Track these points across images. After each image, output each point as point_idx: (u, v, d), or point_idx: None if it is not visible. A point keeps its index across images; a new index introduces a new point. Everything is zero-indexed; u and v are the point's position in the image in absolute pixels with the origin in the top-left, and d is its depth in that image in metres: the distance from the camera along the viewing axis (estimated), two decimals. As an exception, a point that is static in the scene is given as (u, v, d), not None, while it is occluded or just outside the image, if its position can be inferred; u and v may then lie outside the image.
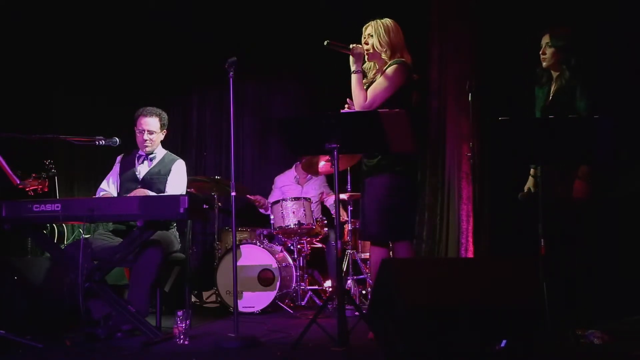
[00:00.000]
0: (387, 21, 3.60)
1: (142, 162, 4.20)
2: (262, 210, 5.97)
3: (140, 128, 4.14)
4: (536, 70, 3.76)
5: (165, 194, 4.07)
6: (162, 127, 4.20)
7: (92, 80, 6.33)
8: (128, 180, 4.14)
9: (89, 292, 3.53)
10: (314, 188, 5.88)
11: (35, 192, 4.59)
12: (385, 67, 3.55)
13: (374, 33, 3.57)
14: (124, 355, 3.17)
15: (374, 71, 3.67)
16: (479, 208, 5.17)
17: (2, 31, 5.47)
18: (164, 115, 4.22)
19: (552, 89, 3.68)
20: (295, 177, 5.95)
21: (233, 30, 6.36)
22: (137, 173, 4.16)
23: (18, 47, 5.66)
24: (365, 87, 3.60)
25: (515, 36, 4.80)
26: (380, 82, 3.52)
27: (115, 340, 3.52)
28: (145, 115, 4.15)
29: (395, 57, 3.54)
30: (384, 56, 3.57)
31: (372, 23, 3.61)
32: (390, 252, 3.72)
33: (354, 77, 3.55)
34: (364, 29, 3.64)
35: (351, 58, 3.55)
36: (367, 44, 3.59)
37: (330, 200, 5.80)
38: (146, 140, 4.14)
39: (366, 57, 3.61)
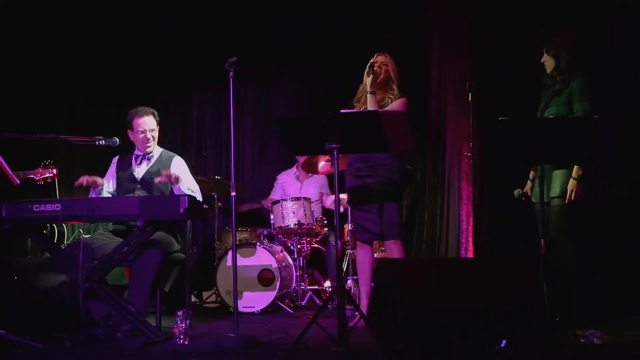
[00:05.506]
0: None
1: (140, 162, 4.17)
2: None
3: (140, 129, 4.08)
4: (543, 78, 3.79)
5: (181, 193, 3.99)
6: (157, 124, 4.17)
7: (92, 81, 6.32)
8: (126, 181, 4.12)
9: (89, 292, 3.52)
10: (313, 186, 5.86)
11: (46, 182, 4.59)
12: (397, 95, 4.03)
13: (389, 64, 4.09)
14: (124, 355, 3.17)
15: (380, 94, 4.05)
16: (479, 208, 5.17)
17: (3, 31, 5.47)
18: (155, 112, 4.17)
19: (551, 92, 3.70)
20: (295, 174, 5.94)
21: (233, 30, 6.36)
22: (135, 173, 4.14)
23: (19, 48, 5.65)
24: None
25: (515, 36, 4.80)
26: (398, 106, 3.97)
27: (115, 341, 3.51)
28: (142, 116, 4.08)
29: (397, 88, 4.06)
30: (394, 85, 4.08)
31: (385, 55, 4.10)
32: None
33: (371, 97, 3.93)
34: (374, 57, 4.06)
35: (371, 80, 3.92)
36: (380, 68, 4.03)
37: (327, 202, 5.79)
38: (149, 139, 4.09)
39: (378, 80, 4.00)
